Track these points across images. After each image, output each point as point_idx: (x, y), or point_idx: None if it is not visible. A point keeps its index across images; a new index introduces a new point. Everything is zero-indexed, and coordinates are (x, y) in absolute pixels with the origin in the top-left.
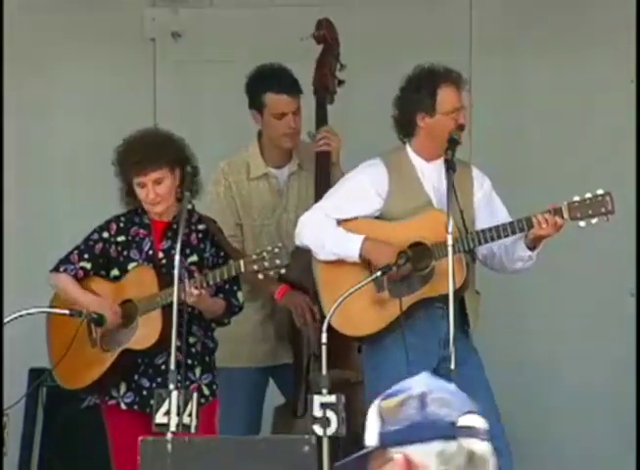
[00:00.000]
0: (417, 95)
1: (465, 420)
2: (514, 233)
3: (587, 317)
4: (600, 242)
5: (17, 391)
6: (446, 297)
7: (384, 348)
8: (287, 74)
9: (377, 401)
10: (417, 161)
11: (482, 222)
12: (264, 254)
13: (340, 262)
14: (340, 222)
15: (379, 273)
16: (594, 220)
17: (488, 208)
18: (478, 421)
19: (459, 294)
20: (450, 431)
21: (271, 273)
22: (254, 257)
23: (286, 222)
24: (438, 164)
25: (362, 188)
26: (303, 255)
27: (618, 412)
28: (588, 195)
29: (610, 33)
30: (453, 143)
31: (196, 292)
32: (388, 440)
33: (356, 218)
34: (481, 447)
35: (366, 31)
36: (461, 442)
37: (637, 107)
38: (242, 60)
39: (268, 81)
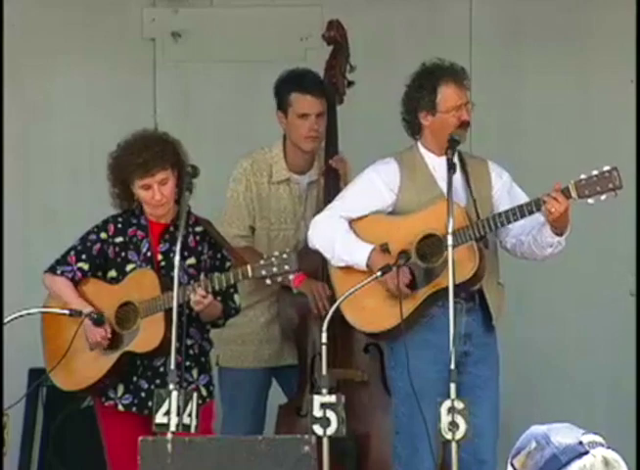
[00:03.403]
0: (418, 94)
1: (588, 438)
2: (523, 216)
3: (587, 317)
4: (600, 242)
5: (17, 391)
6: (459, 286)
7: (402, 346)
8: (313, 76)
9: (509, 460)
10: (428, 156)
11: None
12: (273, 259)
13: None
14: (352, 221)
15: (379, 273)
16: (603, 197)
17: (509, 198)
18: (598, 437)
19: (473, 283)
20: (581, 448)
21: (279, 279)
22: (263, 262)
23: (303, 230)
24: None
25: (373, 185)
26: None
27: (619, 412)
28: (595, 172)
29: (610, 33)
30: (454, 143)
31: (206, 301)
32: None
33: (367, 216)
34: (611, 454)
35: (366, 31)
36: (593, 452)
37: (637, 107)
38: (242, 60)
39: (294, 81)
